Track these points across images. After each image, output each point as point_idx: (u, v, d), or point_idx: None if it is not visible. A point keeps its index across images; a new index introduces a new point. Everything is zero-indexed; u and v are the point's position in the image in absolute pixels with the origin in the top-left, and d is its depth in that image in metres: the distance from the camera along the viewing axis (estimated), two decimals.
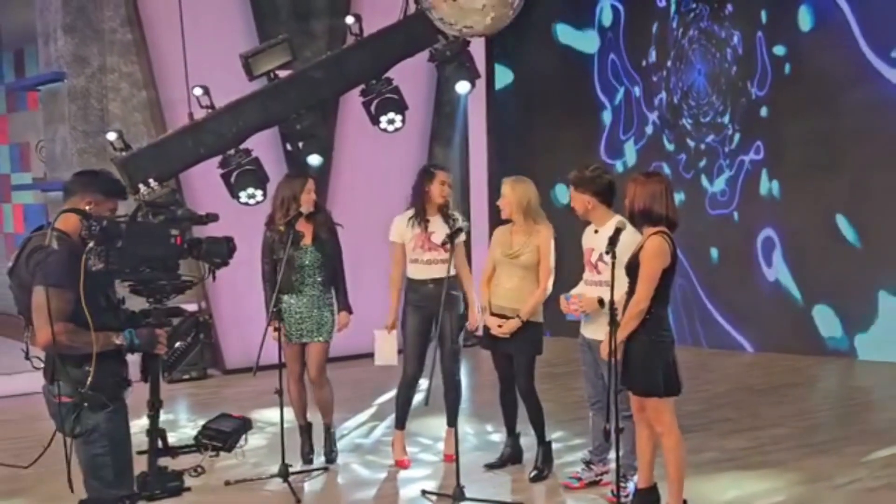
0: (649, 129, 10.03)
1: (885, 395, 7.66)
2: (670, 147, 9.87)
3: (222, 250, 3.67)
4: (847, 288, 8.68)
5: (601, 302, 5.01)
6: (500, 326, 5.53)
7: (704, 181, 9.59)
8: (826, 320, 8.83)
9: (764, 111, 9.21)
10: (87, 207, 3.61)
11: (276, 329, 5.70)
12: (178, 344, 3.68)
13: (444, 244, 5.64)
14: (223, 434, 3.68)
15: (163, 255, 3.55)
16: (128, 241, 3.44)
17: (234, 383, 8.42)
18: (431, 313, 5.78)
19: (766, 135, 9.19)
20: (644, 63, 10.05)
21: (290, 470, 5.63)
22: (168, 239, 3.55)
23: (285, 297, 5.85)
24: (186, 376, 8.60)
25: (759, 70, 9.21)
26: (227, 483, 5.61)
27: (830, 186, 8.77)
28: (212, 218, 3.68)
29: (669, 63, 9.86)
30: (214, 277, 3.72)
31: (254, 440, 6.67)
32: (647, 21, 10.00)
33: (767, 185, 9.15)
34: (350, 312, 6.03)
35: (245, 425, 3.72)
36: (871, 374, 8.23)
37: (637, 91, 10.13)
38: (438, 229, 5.80)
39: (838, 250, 8.73)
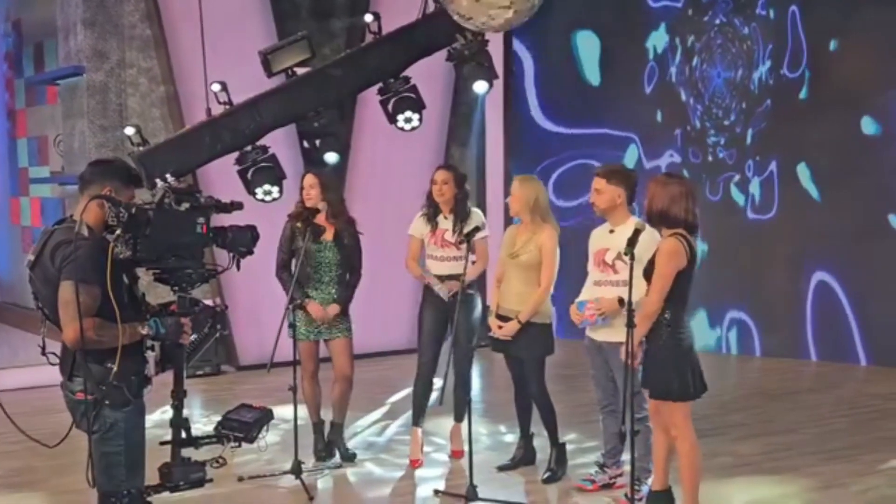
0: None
1: None
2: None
3: (246, 239, 3.66)
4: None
5: (621, 301, 4.97)
6: (500, 328, 5.52)
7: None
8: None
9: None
10: (107, 194, 3.60)
11: (290, 325, 5.71)
12: (193, 336, 3.67)
13: (459, 243, 5.69)
14: (245, 425, 3.67)
15: (189, 243, 3.54)
16: (155, 229, 3.43)
17: (248, 379, 8.43)
18: (443, 310, 5.84)
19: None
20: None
21: (303, 467, 5.63)
22: (194, 227, 3.54)
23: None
24: (200, 372, 8.62)
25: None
26: (241, 479, 5.62)
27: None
28: (236, 206, 3.67)
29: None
30: (239, 267, 3.70)
31: (267, 436, 6.69)
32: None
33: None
34: (342, 310, 5.92)
35: (266, 416, 3.71)
36: (887, 380, 8.16)
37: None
38: (450, 226, 5.94)
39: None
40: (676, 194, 4.64)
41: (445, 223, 5.97)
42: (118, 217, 3.38)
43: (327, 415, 6.13)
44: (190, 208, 3.56)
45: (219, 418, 3.82)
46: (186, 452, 3.69)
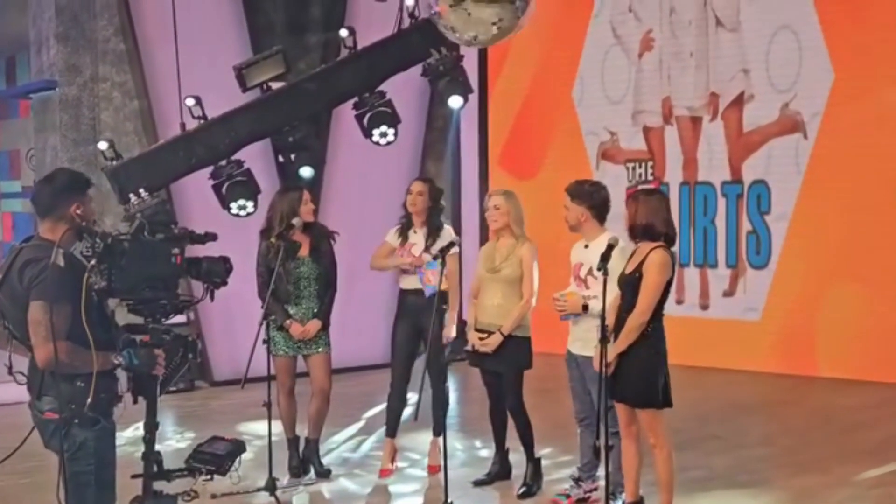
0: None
1: (874, 414, 7.65)
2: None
3: (220, 270, 3.65)
4: None
5: (585, 307, 5.06)
6: (480, 340, 5.52)
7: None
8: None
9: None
10: (78, 212, 3.59)
11: (264, 341, 5.68)
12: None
13: (434, 258, 5.69)
14: (217, 458, 3.65)
15: (164, 274, 3.53)
16: (130, 260, 3.42)
17: (222, 395, 8.37)
18: (416, 324, 5.88)
19: None
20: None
21: (278, 484, 5.59)
22: (169, 258, 3.53)
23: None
24: (173, 388, 8.52)
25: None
26: (214, 496, 5.57)
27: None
28: (210, 237, 3.66)
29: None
30: (213, 298, 3.69)
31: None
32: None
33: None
34: (322, 324, 5.93)
35: (238, 448, 3.70)
36: (860, 392, 8.22)
37: None
38: (419, 241, 5.95)
39: None
40: (658, 208, 4.75)
41: (415, 237, 5.99)
42: (94, 248, 3.37)
43: (302, 431, 6.10)
44: (164, 239, 3.55)
45: (192, 435, 3.80)
46: (158, 485, 3.66)
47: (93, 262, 3.38)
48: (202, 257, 3.66)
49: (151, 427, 3.60)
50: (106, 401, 3.57)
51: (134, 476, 3.63)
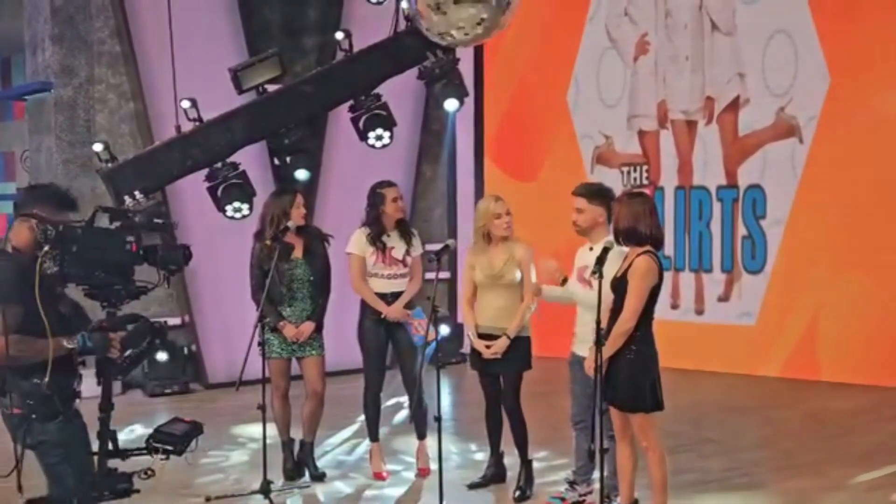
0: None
1: (869, 418, 7.66)
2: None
3: (178, 258, 3.77)
4: None
5: (565, 280, 5.17)
6: (488, 347, 5.52)
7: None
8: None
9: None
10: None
11: (259, 344, 5.67)
12: (129, 352, 3.72)
13: (430, 260, 5.69)
14: (174, 437, 3.73)
15: (118, 261, 3.62)
16: (83, 246, 3.52)
17: (217, 398, 8.36)
18: (389, 326, 5.91)
19: None
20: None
21: (272, 487, 5.58)
22: (123, 245, 3.62)
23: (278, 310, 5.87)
24: (168, 390, 8.54)
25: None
26: (208, 499, 5.56)
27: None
28: (165, 226, 3.75)
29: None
30: (169, 284, 3.79)
31: (236, 456, 6.64)
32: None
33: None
34: (316, 327, 5.94)
35: (196, 430, 3.77)
36: (855, 396, 8.24)
37: None
38: (397, 244, 5.96)
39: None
40: (640, 212, 4.72)
41: (391, 241, 5.97)
42: (46, 234, 3.45)
43: (297, 433, 6.09)
44: (120, 227, 3.66)
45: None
46: (114, 463, 3.74)
47: (45, 247, 3.46)
48: (159, 245, 3.75)
49: (106, 407, 3.69)
50: (66, 395, 3.66)
51: (89, 453, 3.72)
